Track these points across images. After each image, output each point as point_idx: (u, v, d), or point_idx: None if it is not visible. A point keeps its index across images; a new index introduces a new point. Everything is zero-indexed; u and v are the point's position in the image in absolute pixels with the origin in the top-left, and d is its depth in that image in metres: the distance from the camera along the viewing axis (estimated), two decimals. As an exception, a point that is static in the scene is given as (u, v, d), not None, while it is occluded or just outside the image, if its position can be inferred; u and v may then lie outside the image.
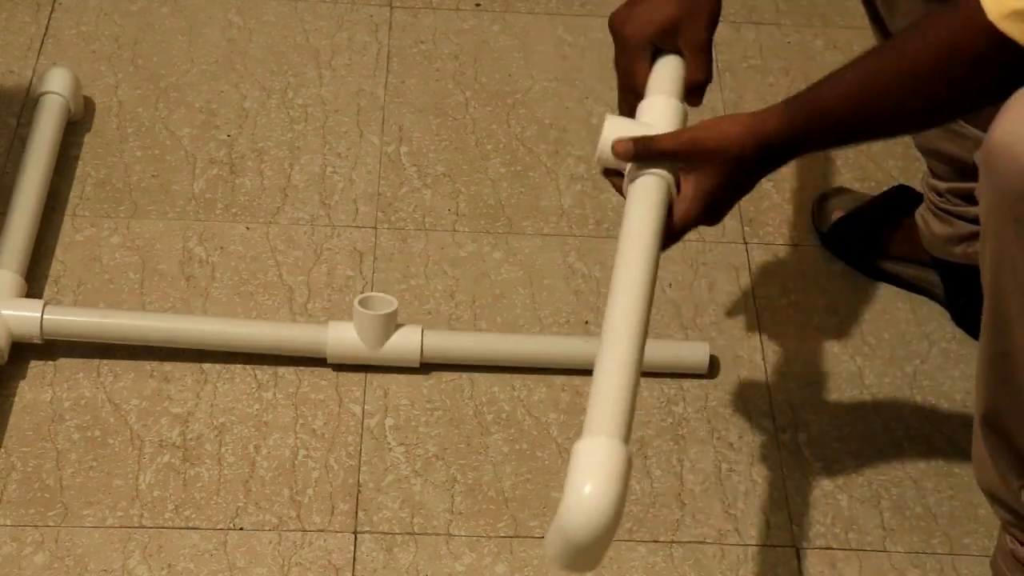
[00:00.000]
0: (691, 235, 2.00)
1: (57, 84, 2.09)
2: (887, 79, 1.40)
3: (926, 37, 1.38)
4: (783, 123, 1.44)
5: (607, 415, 1.25)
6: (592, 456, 1.23)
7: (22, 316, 1.81)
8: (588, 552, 1.24)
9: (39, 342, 1.82)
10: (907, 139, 2.06)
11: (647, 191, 1.46)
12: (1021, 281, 1.37)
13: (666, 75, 1.58)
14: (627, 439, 1.25)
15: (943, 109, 1.41)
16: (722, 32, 2.34)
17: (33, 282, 1.91)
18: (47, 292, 1.92)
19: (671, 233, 1.47)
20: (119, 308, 1.90)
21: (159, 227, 2.01)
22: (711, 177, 1.45)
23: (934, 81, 1.37)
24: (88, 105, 2.16)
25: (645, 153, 1.46)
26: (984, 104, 1.40)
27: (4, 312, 1.80)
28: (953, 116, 1.46)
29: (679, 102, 1.55)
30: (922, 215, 1.94)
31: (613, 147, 1.48)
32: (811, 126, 1.44)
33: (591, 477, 1.21)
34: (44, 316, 1.80)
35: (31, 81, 2.19)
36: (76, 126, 2.12)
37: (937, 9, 1.37)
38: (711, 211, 1.47)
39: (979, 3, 1.31)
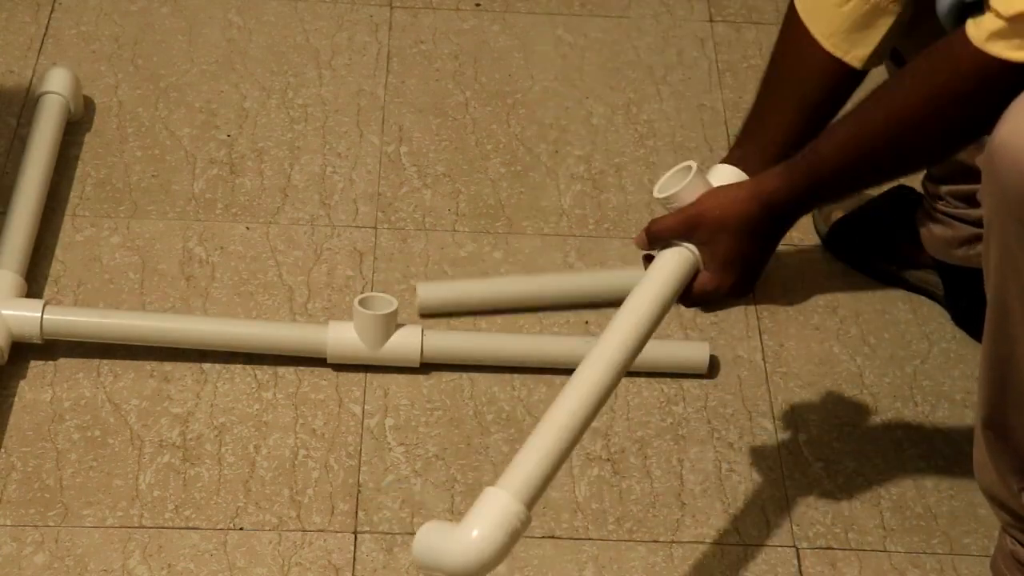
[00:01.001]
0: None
1: (57, 84, 2.09)
2: (882, 126, 1.44)
3: (916, 77, 1.42)
4: (784, 183, 1.48)
5: (522, 477, 1.40)
6: (492, 507, 1.38)
7: (22, 316, 1.81)
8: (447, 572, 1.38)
9: (39, 342, 1.82)
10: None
11: (662, 260, 1.52)
12: (1021, 290, 1.38)
13: None
14: (531, 504, 1.39)
15: (943, 144, 1.44)
16: (722, 32, 2.34)
17: (33, 282, 1.91)
18: (47, 292, 1.92)
19: (689, 299, 1.53)
20: (119, 308, 1.90)
21: (159, 227, 2.01)
22: (721, 245, 1.49)
23: (929, 120, 1.41)
24: (88, 105, 2.16)
25: (653, 237, 1.52)
26: (983, 131, 1.42)
27: (4, 312, 1.80)
28: (955, 149, 1.48)
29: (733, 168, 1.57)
30: (922, 218, 1.94)
31: (635, 240, 1.55)
32: (813, 182, 1.48)
33: (482, 525, 1.37)
34: (44, 316, 1.80)
35: (31, 81, 2.19)
36: (76, 126, 2.12)
37: (925, 52, 1.41)
38: (730, 278, 1.51)
39: (963, 33, 1.36)
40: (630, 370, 1.86)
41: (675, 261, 1.51)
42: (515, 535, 1.37)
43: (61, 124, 2.07)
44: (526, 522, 1.38)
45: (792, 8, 1.61)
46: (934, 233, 1.91)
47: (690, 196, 1.52)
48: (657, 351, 1.88)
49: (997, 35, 1.33)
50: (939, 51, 1.40)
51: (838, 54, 1.59)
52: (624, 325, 1.48)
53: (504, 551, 1.37)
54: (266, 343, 1.84)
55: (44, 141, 2.02)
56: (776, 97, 1.62)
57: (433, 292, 1.93)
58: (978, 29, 1.35)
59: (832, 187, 1.51)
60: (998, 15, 1.33)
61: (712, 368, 1.88)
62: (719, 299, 1.55)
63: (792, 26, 1.61)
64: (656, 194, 1.54)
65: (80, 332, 1.83)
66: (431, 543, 1.38)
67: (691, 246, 1.50)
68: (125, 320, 1.84)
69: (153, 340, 1.84)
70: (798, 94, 1.60)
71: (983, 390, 1.51)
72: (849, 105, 1.56)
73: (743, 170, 1.56)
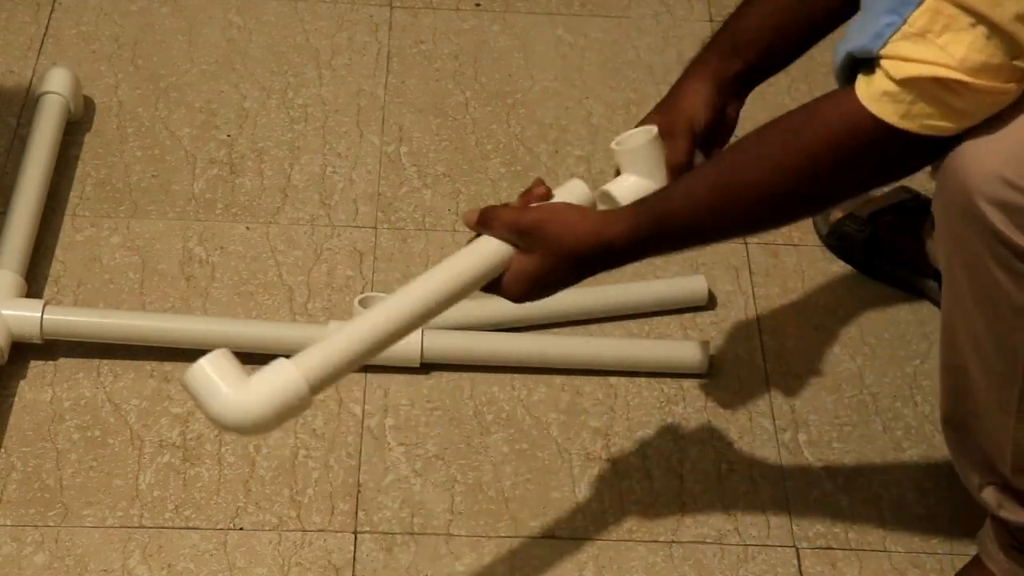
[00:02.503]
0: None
1: (57, 84, 2.09)
2: (745, 184, 1.40)
3: (790, 132, 1.39)
4: (629, 230, 1.44)
5: (318, 362, 1.37)
6: (279, 377, 1.36)
7: (22, 316, 1.81)
8: (205, 410, 1.36)
9: (39, 342, 1.82)
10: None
11: (487, 246, 1.47)
12: (964, 297, 1.41)
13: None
14: (315, 390, 1.36)
15: (811, 203, 1.42)
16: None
17: (33, 282, 1.91)
18: (47, 292, 1.92)
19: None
20: (119, 308, 1.90)
21: (159, 227, 2.01)
22: (538, 260, 1.45)
23: (801, 178, 1.38)
24: (88, 105, 2.16)
25: (484, 222, 1.47)
26: (851, 194, 1.42)
27: (4, 312, 1.80)
28: (821, 208, 1.46)
29: (587, 190, 1.55)
30: (929, 228, 1.94)
31: (464, 215, 1.50)
32: (657, 232, 1.44)
33: (261, 390, 1.35)
34: (44, 316, 1.80)
35: (31, 81, 2.19)
36: (76, 126, 2.12)
37: (799, 107, 1.39)
38: (525, 291, 1.47)
39: (852, 91, 1.33)
40: (630, 370, 1.87)
41: (497, 254, 1.46)
42: (288, 412, 1.34)
43: (61, 124, 2.07)
44: (304, 405, 1.35)
45: None
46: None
47: (637, 161, 1.52)
48: (657, 351, 1.88)
49: (888, 96, 1.31)
50: (820, 106, 1.37)
51: None
52: (422, 283, 1.46)
53: (268, 422, 1.34)
54: (266, 343, 1.84)
55: (44, 141, 2.02)
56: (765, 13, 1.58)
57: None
58: (868, 87, 1.32)
59: (676, 240, 1.46)
60: (889, 76, 1.30)
61: (712, 368, 1.88)
62: (503, 294, 1.49)
63: None
64: (613, 145, 1.54)
65: (80, 332, 1.83)
66: (210, 377, 1.35)
67: (504, 244, 1.46)
68: (125, 320, 1.84)
69: (153, 340, 1.83)
70: (799, 13, 1.57)
71: (941, 391, 1.54)
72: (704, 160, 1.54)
73: (704, 76, 1.54)
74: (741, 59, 1.57)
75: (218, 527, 1.69)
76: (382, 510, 1.72)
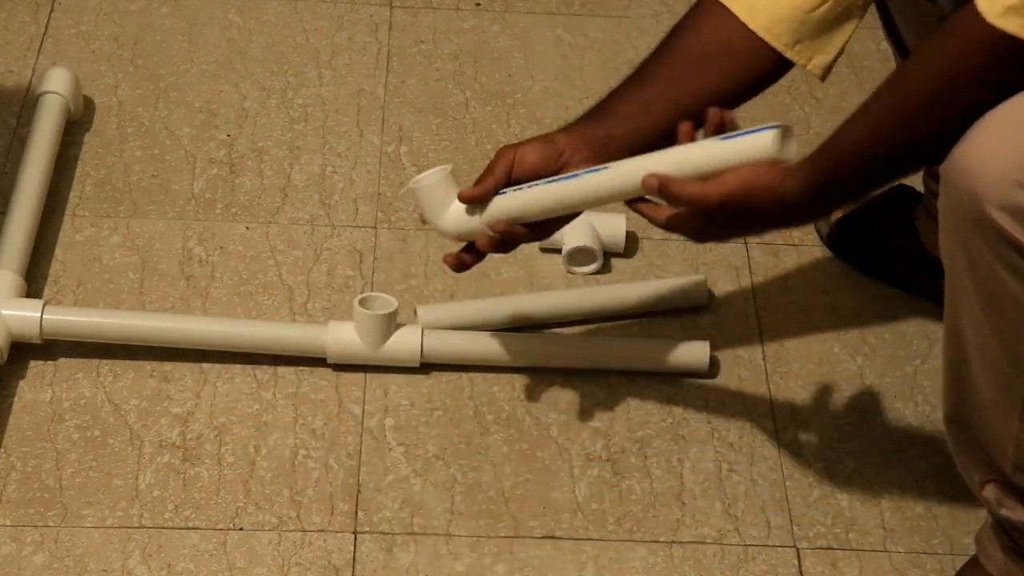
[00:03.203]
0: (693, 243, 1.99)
1: (57, 84, 2.09)
2: (897, 114, 1.41)
3: (927, 60, 1.39)
4: (803, 184, 1.46)
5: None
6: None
7: (22, 316, 1.80)
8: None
9: (39, 342, 1.82)
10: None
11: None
12: (969, 296, 1.40)
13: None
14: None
15: (960, 128, 1.39)
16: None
17: (33, 282, 1.91)
18: (47, 292, 1.92)
19: (666, 217, 1.53)
20: (119, 308, 1.90)
21: (159, 227, 2.01)
22: (727, 226, 1.51)
23: (944, 102, 1.38)
24: (88, 105, 2.16)
25: (670, 195, 1.50)
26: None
27: (4, 312, 1.80)
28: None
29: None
30: (920, 215, 1.94)
31: (644, 181, 1.51)
32: (830, 180, 1.45)
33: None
34: (44, 316, 1.80)
35: (31, 81, 2.19)
36: (76, 126, 2.12)
37: (935, 32, 1.38)
38: (702, 226, 1.51)
39: (975, 9, 1.32)
40: (630, 370, 1.87)
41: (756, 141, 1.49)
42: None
43: (61, 124, 2.07)
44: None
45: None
46: (933, 230, 1.91)
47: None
48: (657, 351, 1.88)
49: (1013, 10, 1.30)
50: (949, 30, 1.36)
51: (800, 61, 1.61)
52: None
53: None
54: (266, 343, 1.84)
55: (44, 141, 2.02)
56: (664, 83, 1.60)
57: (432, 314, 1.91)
58: (991, 3, 1.30)
59: (852, 186, 1.47)
60: None
61: (712, 368, 1.88)
62: (684, 230, 1.53)
63: (717, 19, 1.59)
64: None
65: (80, 332, 1.83)
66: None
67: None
68: (125, 320, 1.84)
69: (153, 340, 1.83)
70: (703, 88, 1.60)
71: (944, 388, 1.54)
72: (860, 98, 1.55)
73: (566, 133, 1.59)
74: (606, 128, 1.60)
75: (218, 527, 1.69)
76: (382, 510, 1.72)
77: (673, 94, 1.61)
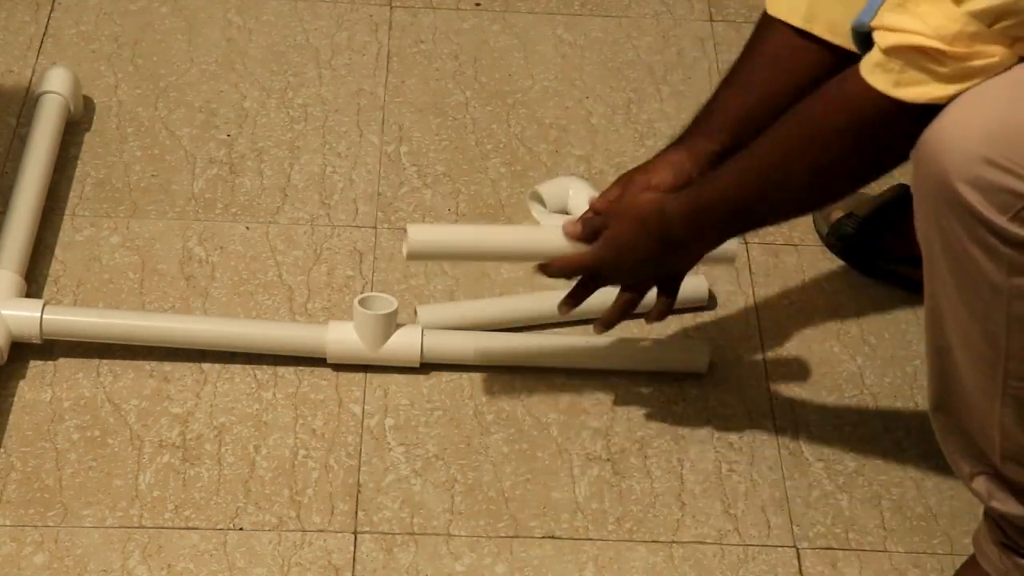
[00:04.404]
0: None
1: (57, 84, 2.09)
2: (768, 158, 1.49)
3: (805, 107, 1.46)
4: (684, 202, 1.57)
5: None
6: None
7: (22, 316, 1.80)
8: None
9: (39, 342, 1.82)
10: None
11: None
12: (945, 278, 1.41)
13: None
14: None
15: (827, 182, 1.46)
16: (722, 32, 2.34)
17: (33, 282, 1.91)
18: (47, 292, 1.92)
19: (561, 264, 1.66)
20: (119, 308, 1.90)
21: (159, 227, 2.01)
22: (613, 227, 1.61)
23: (812, 153, 1.44)
24: (88, 105, 2.16)
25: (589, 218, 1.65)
26: (867, 175, 1.47)
27: (4, 312, 1.80)
28: (839, 189, 1.52)
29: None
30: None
31: (565, 228, 1.66)
32: (704, 208, 1.55)
33: None
34: (44, 316, 1.80)
35: (31, 81, 2.19)
36: (76, 126, 2.12)
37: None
38: (604, 253, 1.63)
39: (855, 68, 1.38)
40: (630, 370, 1.87)
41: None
42: None
43: (61, 124, 2.07)
44: None
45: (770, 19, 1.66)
46: None
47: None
48: (657, 351, 1.88)
49: (879, 67, 1.35)
50: (828, 85, 1.43)
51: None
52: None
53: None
54: (266, 343, 1.84)
55: (44, 141, 2.02)
56: (746, 88, 1.66)
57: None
58: (866, 60, 1.37)
59: (725, 219, 1.56)
60: (879, 46, 1.35)
61: (712, 368, 1.88)
62: (589, 271, 1.65)
63: (775, 31, 1.66)
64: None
65: (80, 332, 1.83)
66: None
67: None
68: (125, 320, 1.84)
69: (153, 340, 1.83)
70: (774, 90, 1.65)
71: (928, 376, 1.54)
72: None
73: (683, 151, 1.64)
74: (718, 142, 1.64)
75: (218, 527, 1.69)
76: (382, 510, 1.72)
77: (769, 104, 1.63)
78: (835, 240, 2.03)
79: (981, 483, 1.54)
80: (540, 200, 2.03)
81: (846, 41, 1.58)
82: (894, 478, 1.79)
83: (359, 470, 1.76)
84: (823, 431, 1.84)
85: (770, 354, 1.91)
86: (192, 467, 1.75)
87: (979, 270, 1.36)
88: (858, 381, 1.90)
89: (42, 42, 2.25)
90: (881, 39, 1.34)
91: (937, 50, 1.31)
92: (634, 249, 1.62)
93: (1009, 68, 1.33)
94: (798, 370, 1.90)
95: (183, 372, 1.84)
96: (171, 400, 1.81)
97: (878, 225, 2.00)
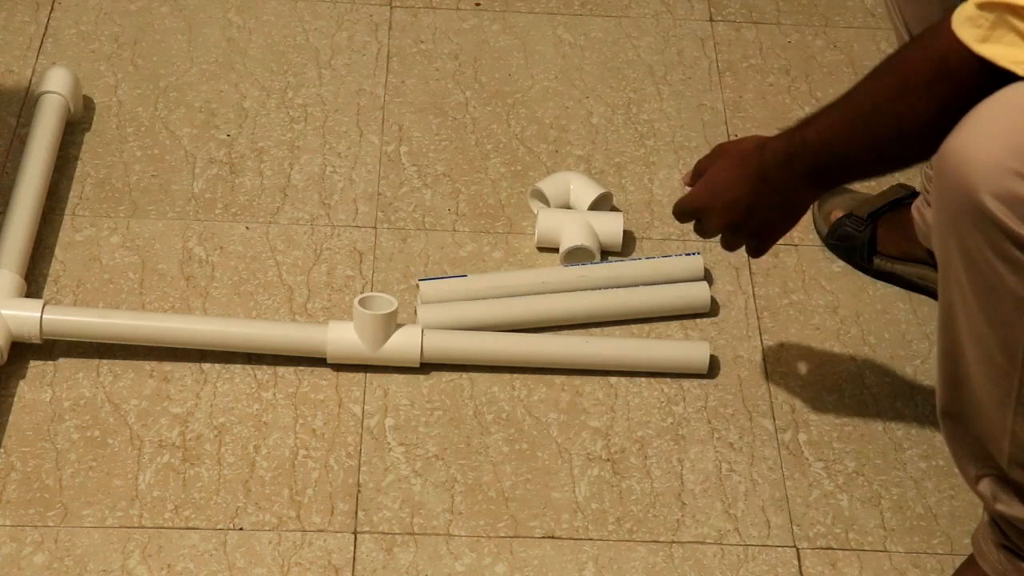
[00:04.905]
0: (692, 235, 2.00)
1: (57, 84, 2.09)
2: (859, 107, 1.46)
3: (895, 58, 1.44)
4: (781, 141, 1.55)
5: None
6: None
7: (22, 316, 1.80)
8: None
9: (39, 342, 1.82)
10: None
11: None
12: (963, 288, 1.40)
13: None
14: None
15: (912, 134, 1.42)
16: (722, 32, 2.34)
17: (33, 282, 1.91)
18: (47, 292, 1.92)
19: (677, 206, 1.67)
20: (119, 308, 1.90)
21: (159, 227, 2.01)
22: (718, 167, 1.61)
23: (896, 110, 1.41)
24: (88, 105, 2.16)
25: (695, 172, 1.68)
26: (949, 126, 1.40)
27: (4, 312, 1.80)
28: (925, 142, 1.43)
29: None
30: (918, 207, 1.94)
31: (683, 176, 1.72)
32: (800, 152, 1.52)
33: None
34: (44, 316, 1.80)
35: (31, 81, 2.18)
36: (76, 126, 2.12)
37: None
38: (705, 198, 1.62)
39: (948, 17, 1.34)
40: (630, 370, 1.87)
41: None
42: None
43: (61, 124, 2.07)
44: None
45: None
46: (929, 223, 1.91)
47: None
48: (657, 351, 1.88)
49: (970, 21, 1.31)
50: (922, 34, 1.40)
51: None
52: None
53: None
54: (266, 343, 1.84)
55: (44, 141, 2.02)
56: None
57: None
58: (959, 12, 1.33)
59: (814, 155, 1.52)
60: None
61: (712, 368, 1.88)
62: (699, 212, 1.64)
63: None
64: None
65: (80, 332, 1.83)
66: None
67: None
68: (125, 320, 1.84)
69: (153, 340, 1.83)
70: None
71: (939, 381, 1.53)
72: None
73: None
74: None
75: (218, 527, 1.69)
76: (382, 510, 1.72)
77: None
78: (835, 240, 2.03)
79: (986, 485, 1.54)
80: (541, 197, 2.03)
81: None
82: (894, 478, 1.79)
83: (359, 470, 1.76)
84: (823, 431, 1.84)
85: (770, 354, 1.91)
86: (192, 467, 1.75)
87: (1001, 282, 1.35)
88: (858, 381, 1.90)
89: (42, 42, 2.25)
90: None
91: None
92: (732, 185, 1.60)
93: None
94: (798, 370, 1.90)
95: (183, 372, 1.84)
96: (171, 400, 1.81)
97: (878, 225, 2.00)
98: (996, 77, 1.31)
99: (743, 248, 1.66)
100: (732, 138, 1.63)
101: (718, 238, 1.66)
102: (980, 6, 1.30)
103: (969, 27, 1.31)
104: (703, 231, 1.65)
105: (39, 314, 1.80)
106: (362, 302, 1.82)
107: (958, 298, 1.42)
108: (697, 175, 1.65)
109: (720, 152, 1.63)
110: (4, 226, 1.92)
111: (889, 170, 1.54)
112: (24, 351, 1.84)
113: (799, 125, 1.55)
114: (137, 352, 1.85)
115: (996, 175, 1.30)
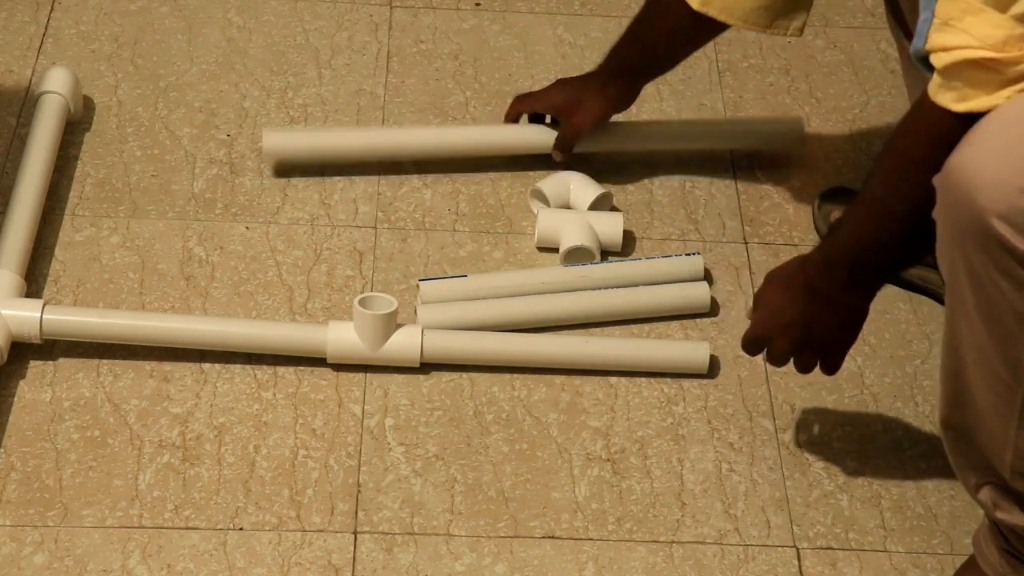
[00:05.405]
0: (692, 235, 1.99)
1: (57, 84, 2.09)
2: (873, 198, 1.51)
3: (896, 139, 1.49)
4: (819, 252, 1.61)
5: None
6: None
7: (22, 316, 1.80)
8: None
9: (39, 342, 1.82)
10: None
11: None
12: (967, 305, 1.41)
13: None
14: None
15: (925, 209, 1.44)
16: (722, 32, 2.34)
17: (33, 282, 1.91)
18: (47, 292, 1.92)
19: (744, 340, 1.71)
20: (119, 308, 1.90)
21: (159, 227, 2.01)
22: (767, 294, 1.67)
23: (908, 179, 1.46)
24: (88, 105, 2.16)
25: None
26: None
27: (4, 312, 1.80)
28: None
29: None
30: None
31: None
32: (836, 250, 1.58)
33: None
34: (44, 316, 1.80)
35: (31, 81, 2.18)
36: (76, 126, 2.12)
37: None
38: (764, 323, 1.66)
39: (926, 91, 1.40)
40: (630, 370, 1.87)
41: None
42: None
43: (61, 124, 2.07)
44: None
45: None
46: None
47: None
48: (657, 351, 1.88)
49: (943, 87, 1.37)
50: (908, 113, 1.47)
51: (779, 34, 1.86)
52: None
53: None
54: (266, 343, 1.84)
55: (44, 141, 2.02)
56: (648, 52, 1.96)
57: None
58: (932, 83, 1.39)
59: (850, 255, 1.57)
60: (936, 68, 1.37)
61: (712, 368, 1.88)
62: (763, 340, 1.67)
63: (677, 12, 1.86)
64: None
65: (80, 332, 1.83)
66: None
67: None
68: (125, 320, 1.84)
69: (153, 340, 1.83)
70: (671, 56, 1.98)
71: (941, 395, 1.55)
72: None
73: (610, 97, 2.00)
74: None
75: (218, 527, 1.69)
76: (382, 510, 1.72)
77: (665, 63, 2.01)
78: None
79: (987, 493, 1.54)
80: (541, 197, 2.03)
81: (738, 22, 1.84)
82: (894, 478, 1.79)
83: (359, 470, 1.76)
84: (823, 431, 1.84)
85: (770, 354, 1.91)
86: (192, 467, 1.75)
87: (1004, 299, 1.36)
88: (858, 381, 1.90)
89: (42, 42, 2.25)
90: (937, 61, 1.36)
91: (990, 59, 1.33)
92: (785, 307, 1.64)
93: None
94: (798, 370, 1.90)
95: (183, 372, 1.84)
96: (171, 400, 1.81)
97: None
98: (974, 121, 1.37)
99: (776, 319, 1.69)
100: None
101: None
102: (943, 72, 1.36)
103: (944, 92, 1.38)
104: (773, 359, 1.68)
105: (39, 314, 1.80)
106: (362, 302, 1.82)
107: (962, 315, 1.43)
108: (756, 307, 1.68)
109: (768, 279, 1.67)
110: (4, 226, 1.92)
111: (924, 249, 1.54)
112: (24, 351, 1.84)
113: (830, 230, 1.62)
114: (137, 352, 1.85)
115: (1004, 194, 1.31)
